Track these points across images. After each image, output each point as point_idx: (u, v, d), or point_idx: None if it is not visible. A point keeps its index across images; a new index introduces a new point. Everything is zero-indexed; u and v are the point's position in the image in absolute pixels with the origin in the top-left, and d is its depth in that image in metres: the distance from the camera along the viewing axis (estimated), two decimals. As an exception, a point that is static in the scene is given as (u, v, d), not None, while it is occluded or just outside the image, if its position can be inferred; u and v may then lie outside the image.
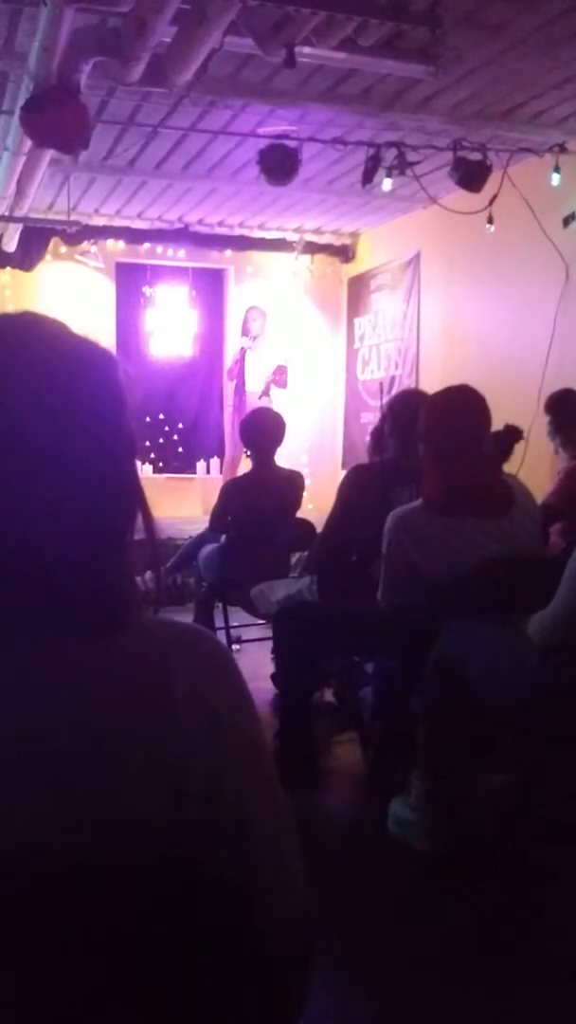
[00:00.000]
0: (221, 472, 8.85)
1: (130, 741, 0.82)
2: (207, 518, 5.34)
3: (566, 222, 6.14)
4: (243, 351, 8.54)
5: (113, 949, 0.81)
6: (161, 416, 9.72)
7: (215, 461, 9.16)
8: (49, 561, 0.80)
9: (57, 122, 4.57)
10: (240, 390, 8.54)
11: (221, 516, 4.82)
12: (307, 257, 9.14)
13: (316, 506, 6.14)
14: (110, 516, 0.85)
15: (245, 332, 8.73)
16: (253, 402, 8.27)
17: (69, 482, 0.81)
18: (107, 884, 0.81)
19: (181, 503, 8.91)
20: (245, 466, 8.07)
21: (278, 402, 7.67)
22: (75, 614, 0.82)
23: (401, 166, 5.97)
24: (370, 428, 4.92)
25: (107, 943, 0.81)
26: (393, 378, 8.40)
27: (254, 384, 8.50)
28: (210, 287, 9.38)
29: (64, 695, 0.81)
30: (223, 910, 0.86)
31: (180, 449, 9.67)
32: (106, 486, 0.84)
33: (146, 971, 0.82)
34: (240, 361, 8.54)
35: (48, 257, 8.27)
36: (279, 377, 8.41)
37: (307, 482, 4.96)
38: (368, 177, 6.00)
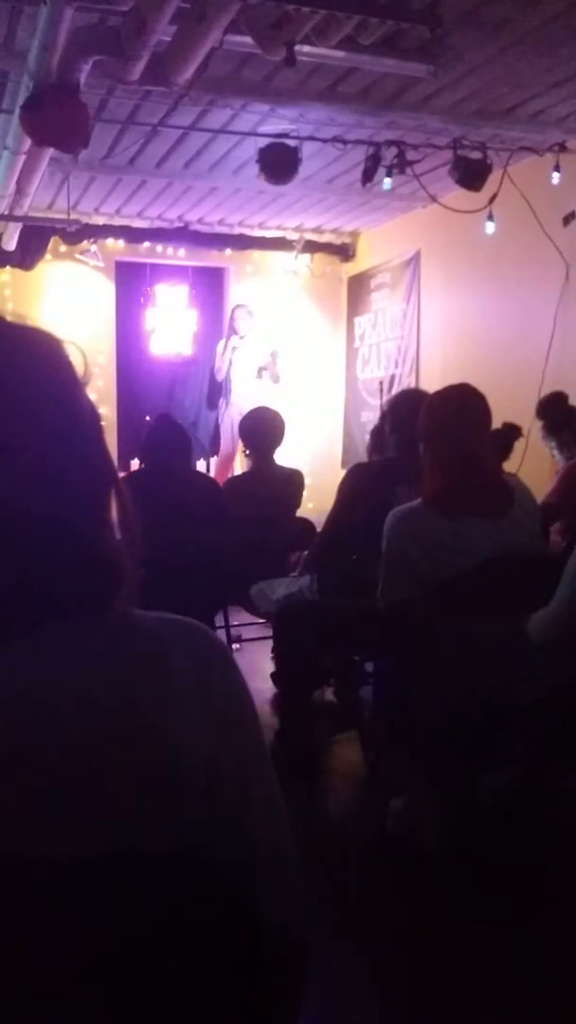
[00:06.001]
0: (212, 471, 8.80)
1: (129, 730, 0.83)
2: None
3: (566, 221, 6.15)
4: (233, 350, 8.50)
5: (114, 946, 0.81)
6: (161, 415, 9.73)
7: (214, 460, 9.14)
8: (34, 520, 0.82)
9: (57, 121, 4.57)
10: (227, 390, 8.49)
11: (221, 515, 4.82)
12: (307, 256, 9.14)
13: (316, 505, 6.14)
14: (83, 480, 0.87)
15: (233, 331, 8.62)
16: (239, 400, 8.26)
17: (41, 454, 0.84)
18: (109, 881, 0.81)
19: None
20: (239, 464, 8.15)
21: (274, 399, 7.62)
22: (67, 585, 0.83)
23: (401, 165, 5.97)
24: (370, 427, 4.92)
25: (109, 940, 0.81)
26: (393, 377, 8.40)
27: (242, 382, 8.43)
28: (210, 286, 9.38)
29: (61, 687, 0.82)
30: (223, 900, 0.87)
31: (180, 448, 9.67)
32: (74, 454, 0.86)
33: (147, 968, 0.82)
34: (230, 361, 8.47)
35: (48, 256, 8.27)
36: (271, 367, 8.40)
37: (307, 481, 4.96)
38: (368, 176, 6.00)
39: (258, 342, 8.61)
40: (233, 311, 8.75)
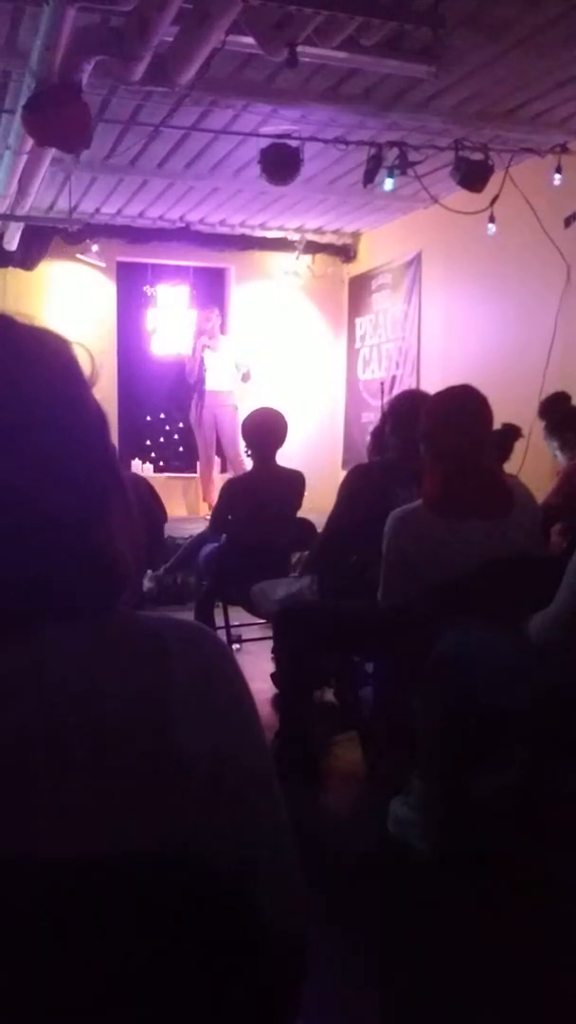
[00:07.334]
0: (198, 474, 8.77)
1: (129, 731, 0.83)
2: (208, 517, 5.33)
3: (567, 222, 6.15)
4: (203, 350, 8.44)
5: (114, 947, 0.81)
6: (162, 415, 9.74)
7: (216, 460, 9.10)
8: (40, 520, 0.83)
9: (59, 121, 4.58)
10: (201, 391, 8.36)
11: (222, 516, 4.82)
12: (308, 257, 9.15)
13: (316, 506, 6.12)
14: (89, 481, 0.87)
15: (203, 332, 8.47)
16: (215, 401, 8.24)
17: (45, 450, 0.85)
18: (109, 881, 0.81)
19: (181, 502, 8.92)
20: (221, 468, 8.13)
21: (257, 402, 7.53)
22: (69, 585, 0.84)
23: (402, 166, 5.98)
24: (371, 428, 4.92)
25: (108, 941, 0.81)
26: (394, 378, 8.40)
27: (217, 383, 8.35)
28: (211, 286, 9.39)
29: (62, 688, 0.82)
30: (223, 900, 0.87)
31: (180, 448, 9.68)
32: (81, 455, 0.87)
33: (147, 968, 0.82)
34: (200, 362, 8.35)
35: (49, 256, 8.28)
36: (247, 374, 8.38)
37: (307, 481, 4.96)
38: (369, 177, 6.01)
39: (236, 347, 8.55)
40: (201, 312, 8.66)
